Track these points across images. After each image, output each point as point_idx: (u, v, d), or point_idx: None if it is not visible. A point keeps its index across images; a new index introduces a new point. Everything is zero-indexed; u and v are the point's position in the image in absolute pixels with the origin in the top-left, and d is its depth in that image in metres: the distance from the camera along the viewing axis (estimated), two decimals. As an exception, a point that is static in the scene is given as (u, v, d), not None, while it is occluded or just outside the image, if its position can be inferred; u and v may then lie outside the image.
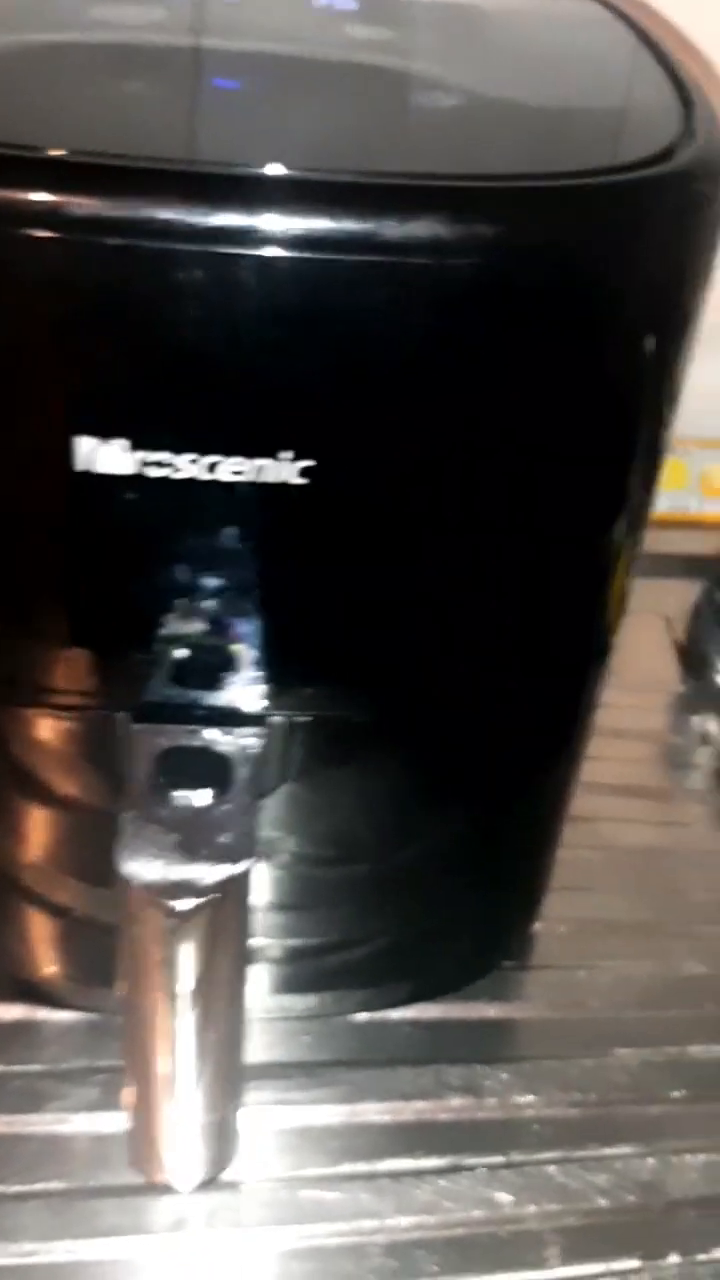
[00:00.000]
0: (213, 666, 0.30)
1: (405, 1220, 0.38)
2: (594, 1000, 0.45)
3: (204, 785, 0.29)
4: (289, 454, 0.27)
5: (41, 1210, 0.37)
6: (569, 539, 0.33)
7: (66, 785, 0.35)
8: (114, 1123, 0.39)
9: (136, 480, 0.27)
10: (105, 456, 0.26)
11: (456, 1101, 0.42)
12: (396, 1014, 0.43)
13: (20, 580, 0.29)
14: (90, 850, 0.36)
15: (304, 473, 0.27)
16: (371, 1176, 0.39)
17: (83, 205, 0.25)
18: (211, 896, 0.28)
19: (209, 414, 0.27)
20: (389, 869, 0.39)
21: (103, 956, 0.37)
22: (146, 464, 0.26)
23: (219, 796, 0.29)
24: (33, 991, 0.40)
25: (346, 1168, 0.40)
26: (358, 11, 0.34)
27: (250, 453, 0.27)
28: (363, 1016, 0.43)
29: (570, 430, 0.30)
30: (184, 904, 0.28)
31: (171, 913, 0.28)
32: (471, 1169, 0.40)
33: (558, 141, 0.30)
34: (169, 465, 0.26)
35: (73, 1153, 0.38)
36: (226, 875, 0.28)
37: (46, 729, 0.33)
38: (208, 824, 0.29)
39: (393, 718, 0.35)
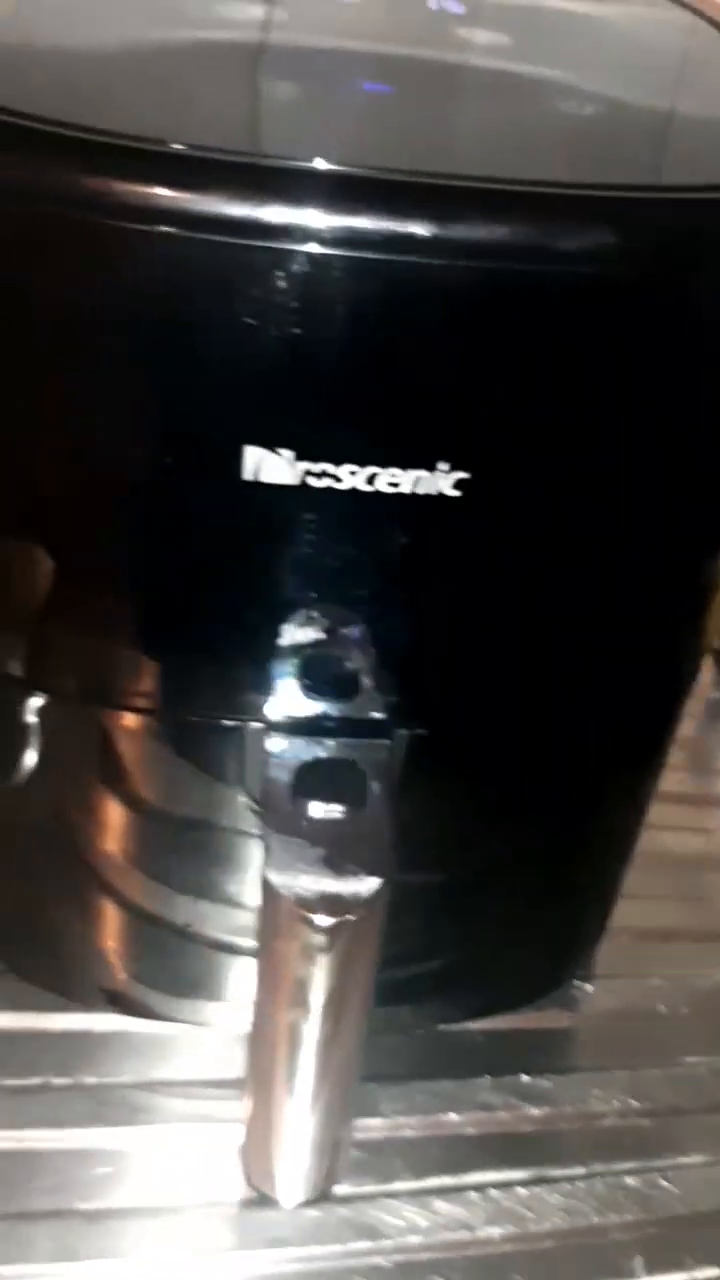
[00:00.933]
0: (347, 679, 0.30)
1: (495, 1232, 0.38)
2: (660, 1008, 0.46)
3: (340, 798, 0.29)
4: (445, 465, 0.27)
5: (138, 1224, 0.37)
6: (686, 558, 0.33)
7: (180, 796, 0.34)
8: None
9: (299, 490, 0.26)
10: (271, 466, 0.26)
11: (535, 1112, 0.42)
12: (471, 1025, 0.43)
13: (169, 589, 0.29)
14: (192, 861, 0.35)
15: (458, 485, 0.27)
16: (459, 1189, 0.39)
17: (247, 210, 0.24)
18: (359, 912, 0.27)
19: (369, 425, 0.26)
20: (478, 883, 0.39)
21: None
22: (310, 474, 0.26)
23: (357, 810, 0.29)
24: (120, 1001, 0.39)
25: (433, 1181, 0.39)
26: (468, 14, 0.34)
27: (407, 464, 0.26)
28: (438, 1029, 0.43)
29: (702, 442, 0.30)
30: (330, 920, 0.27)
31: (319, 928, 0.27)
32: (554, 1181, 0.40)
33: (696, 155, 0.30)
34: (330, 476, 0.26)
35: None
36: (373, 890, 0.28)
37: (165, 738, 0.32)
38: (349, 838, 0.28)
39: (506, 732, 0.35)
